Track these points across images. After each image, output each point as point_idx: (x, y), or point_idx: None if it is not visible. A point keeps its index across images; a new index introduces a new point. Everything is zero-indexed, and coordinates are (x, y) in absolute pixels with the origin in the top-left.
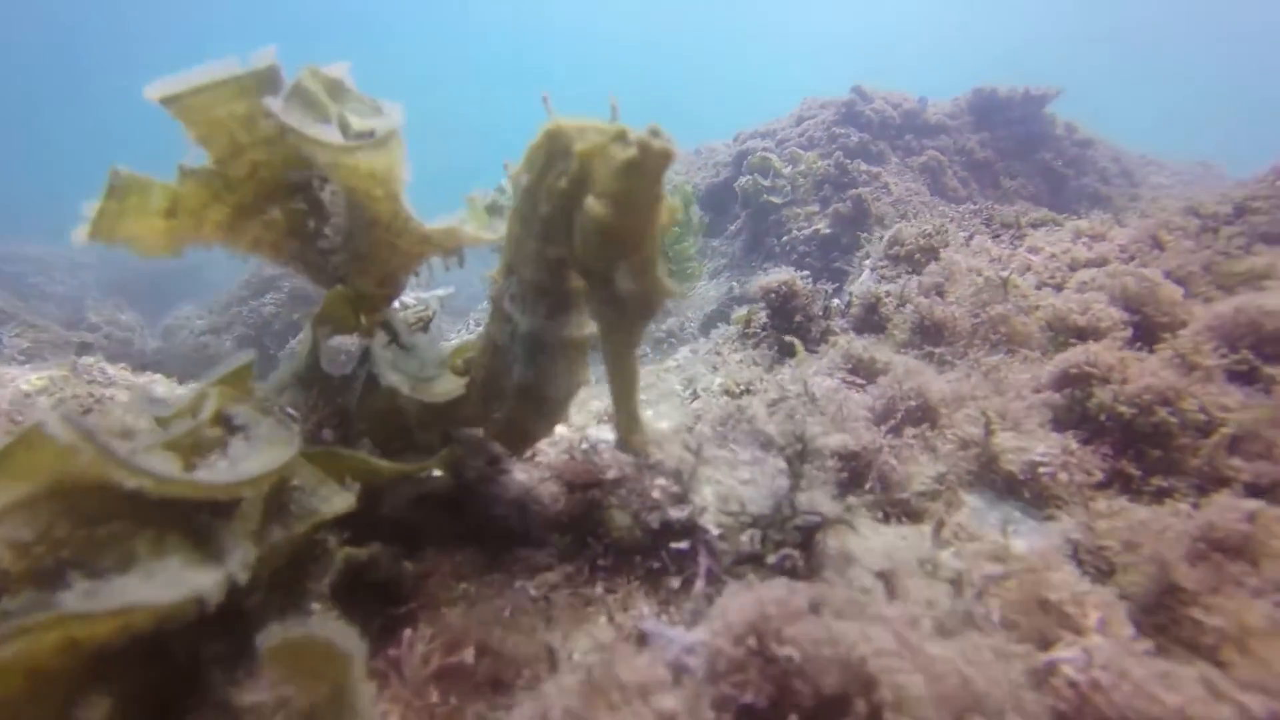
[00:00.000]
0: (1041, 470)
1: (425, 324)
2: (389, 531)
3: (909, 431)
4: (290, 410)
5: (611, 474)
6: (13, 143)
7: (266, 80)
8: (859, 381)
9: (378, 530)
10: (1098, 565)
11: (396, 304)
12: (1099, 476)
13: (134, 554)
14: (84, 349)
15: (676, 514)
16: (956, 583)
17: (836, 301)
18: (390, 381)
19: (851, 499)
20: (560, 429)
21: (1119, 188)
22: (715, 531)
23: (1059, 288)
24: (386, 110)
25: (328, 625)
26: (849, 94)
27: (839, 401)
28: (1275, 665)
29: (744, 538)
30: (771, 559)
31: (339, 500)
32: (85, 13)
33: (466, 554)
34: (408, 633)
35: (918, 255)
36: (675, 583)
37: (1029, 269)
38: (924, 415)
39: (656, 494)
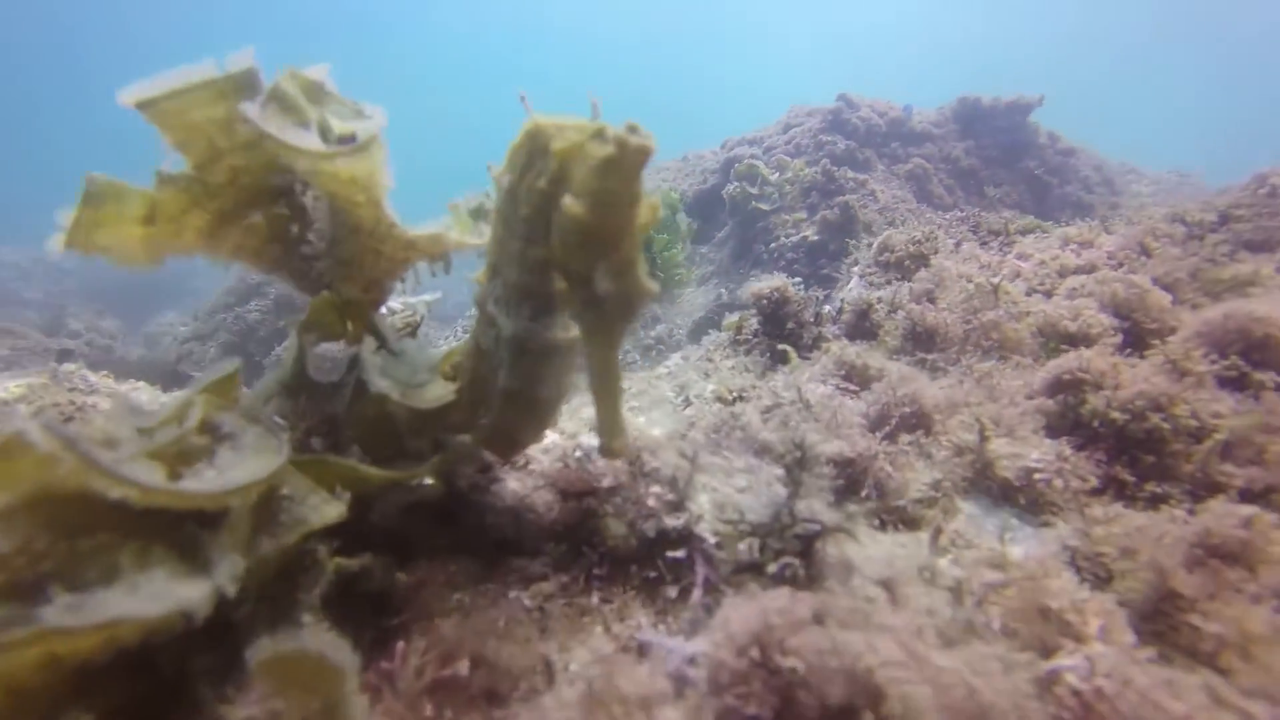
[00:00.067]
0: (1037, 477)
1: (413, 329)
2: (380, 540)
3: (904, 438)
4: (277, 419)
5: (606, 482)
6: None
7: (244, 83)
8: (852, 388)
9: (368, 539)
10: (1095, 572)
11: (384, 310)
12: (1093, 483)
13: (118, 566)
14: (64, 356)
15: (672, 522)
16: (956, 591)
17: (828, 308)
18: (380, 387)
19: (852, 507)
20: (552, 436)
21: (1101, 196)
22: (712, 540)
23: (1049, 294)
24: (369, 113)
25: (320, 638)
26: (835, 102)
27: (833, 408)
28: (1278, 671)
29: (742, 546)
30: (772, 568)
31: (329, 509)
32: (84, 11)
33: (460, 564)
34: (401, 645)
35: (907, 262)
36: (672, 592)
37: (1018, 275)
38: (918, 422)
39: (652, 502)
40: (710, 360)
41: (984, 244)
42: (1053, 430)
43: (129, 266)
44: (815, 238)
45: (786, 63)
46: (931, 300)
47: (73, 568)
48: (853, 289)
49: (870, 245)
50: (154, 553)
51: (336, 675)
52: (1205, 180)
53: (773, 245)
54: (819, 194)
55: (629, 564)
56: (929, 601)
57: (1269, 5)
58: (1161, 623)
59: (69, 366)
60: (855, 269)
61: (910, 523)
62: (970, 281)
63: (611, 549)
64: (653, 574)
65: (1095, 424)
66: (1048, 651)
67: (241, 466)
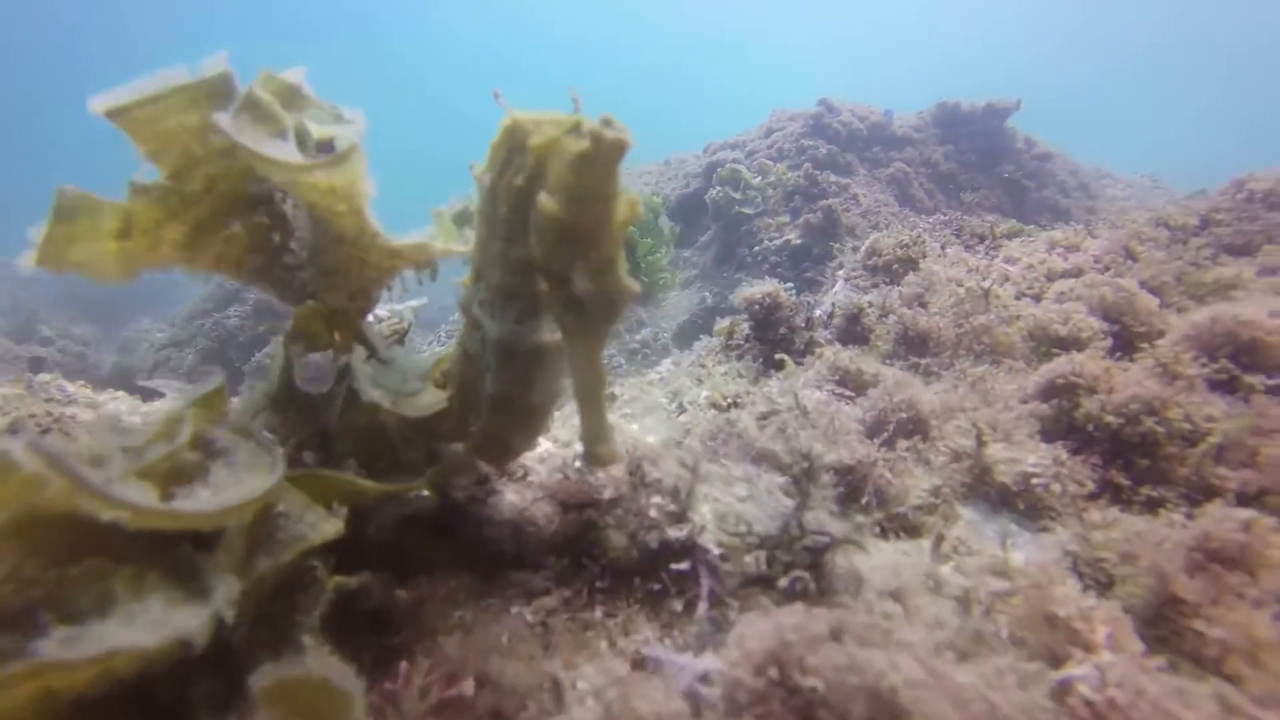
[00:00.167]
0: (1034, 482)
1: (401, 336)
2: (375, 554)
3: (901, 444)
4: (267, 433)
5: (608, 494)
6: None
7: (218, 89)
8: (847, 393)
9: (364, 553)
10: (1096, 577)
11: (370, 317)
12: (1090, 487)
13: (112, 593)
14: (36, 365)
15: (675, 533)
16: (964, 600)
17: (819, 312)
18: (371, 397)
19: (860, 518)
20: (548, 445)
21: (1077, 200)
22: (716, 551)
23: (1038, 298)
24: (348, 116)
25: (323, 661)
26: (816, 106)
27: (830, 414)
28: None
29: (749, 559)
30: (783, 582)
31: (327, 526)
32: (83, 11)
33: (460, 578)
34: (404, 665)
35: (895, 266)
36: (678, 605)
37: (1007, 279)
38: (915, 427)
39: (654, 513)
40: (703, 366)
41: (968, 247)
42: (1047, 434)
43: (104, 283)
44: (798, 241)
45: (778, 65)
46: (922, 304)
47: (64, 595)
48: (838, 292)
49: (855, 249)
50: (149, 578)
51: (343, 700)
52: (1180, 184)
53: (756, 249)
54: (802, 198)
55: (631, 576)
56: (937, 611)
57: (1267, 9)
58: (1164, 628)
59: (45, 376)
60: (840, 272)
61: (911, 530)
62: (960, 285)
63: (613, 561)
64: (656, 586)
65: (1090, 428)
66: (1056, 660)
67: (236, 484)
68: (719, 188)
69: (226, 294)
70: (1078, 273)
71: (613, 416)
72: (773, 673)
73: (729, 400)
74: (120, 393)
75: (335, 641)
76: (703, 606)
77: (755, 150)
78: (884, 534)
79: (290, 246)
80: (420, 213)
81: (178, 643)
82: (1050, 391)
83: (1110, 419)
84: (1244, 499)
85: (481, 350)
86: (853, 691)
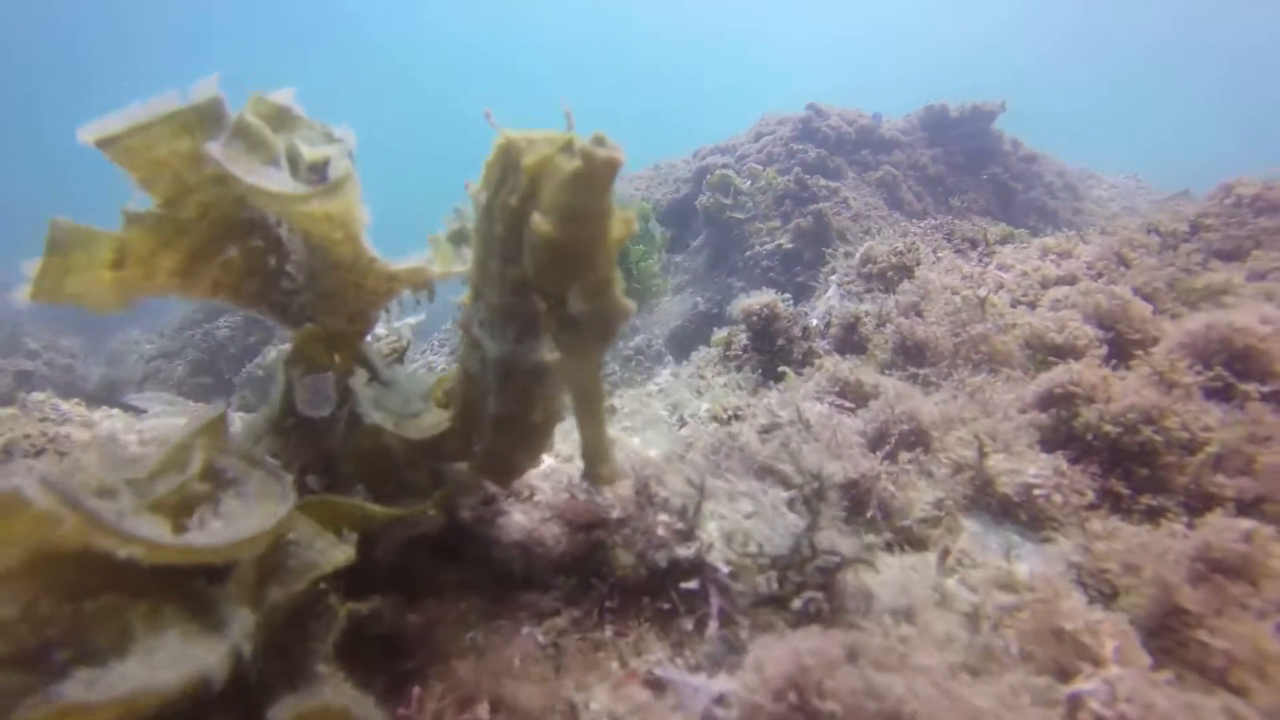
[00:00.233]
0: (1036, 492)
1: (400, 354)
2: (383, 578)
3: (903, 456)
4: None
5: (616, 514)
6: None
7: (209, 114)
8: (848, 405)
9: (371, 577)
10: (1100, 588)
11: (369, 336)
12: (1090, 496)
13: (129, 629)
14: (23, 379)
15: (683, 552)
16: (973, 616)
17: (815, 322)
18: (374, 419)
19: (870, 537)
20: (550, 461)
21: (1064, 201)
22: (725, 569)
23: (1032, 306)
24: (338, 135)
25: (341, 691)
26: (805, 110)
27: (833, 428)
28: None
29: (760, 579)
30: (796, 604)
31: (337, 553)
32: (82, 12)
33: (470, 600)
34: (417, 690)
35: (890, 273)
36: (688, 624)
37: (1001, 287)
38: (917, 439)
39: (661, 531)
40: (702, 377)
41: (958, 251)
42: (1047, 444)
43: (100, 312)
44: (790, 246)
45: (776, 65)
46: (919, 313)
47: (80, 632)
48: (831, 298)
49: (847, 254)
50: (164, 612)
51: None
52: (1170, 184)
53: (748, 254)
54: (792, 202)
55: (640, 595)
56: (946, 628)
57: (1266, 9)
58: (1168, 639)
59: (39, 395)
60: (833, 278)
61: (916, 543)
62: (956, 294)
63: (621, 580)
64: (665, 605)
65: (1088, 437)
66: (1065, 675)
67: (248, 515)
68: (709, 194)
69: (216, 305)
70: (1071, 280)
71: (614, 430)
72: (792, 697)
73: (729, 413)
74: (115, 410)
75: (347, 668)
76: (713, 625)
77: (745, 155)
78: (889, 548)
79: (286, 270)
80: (415, 212)
81: (199, 680)
82: (1049, 401)
83: (1109, 428)
84: (1243, 507)
85: (482, 370)
86: (872, 716)
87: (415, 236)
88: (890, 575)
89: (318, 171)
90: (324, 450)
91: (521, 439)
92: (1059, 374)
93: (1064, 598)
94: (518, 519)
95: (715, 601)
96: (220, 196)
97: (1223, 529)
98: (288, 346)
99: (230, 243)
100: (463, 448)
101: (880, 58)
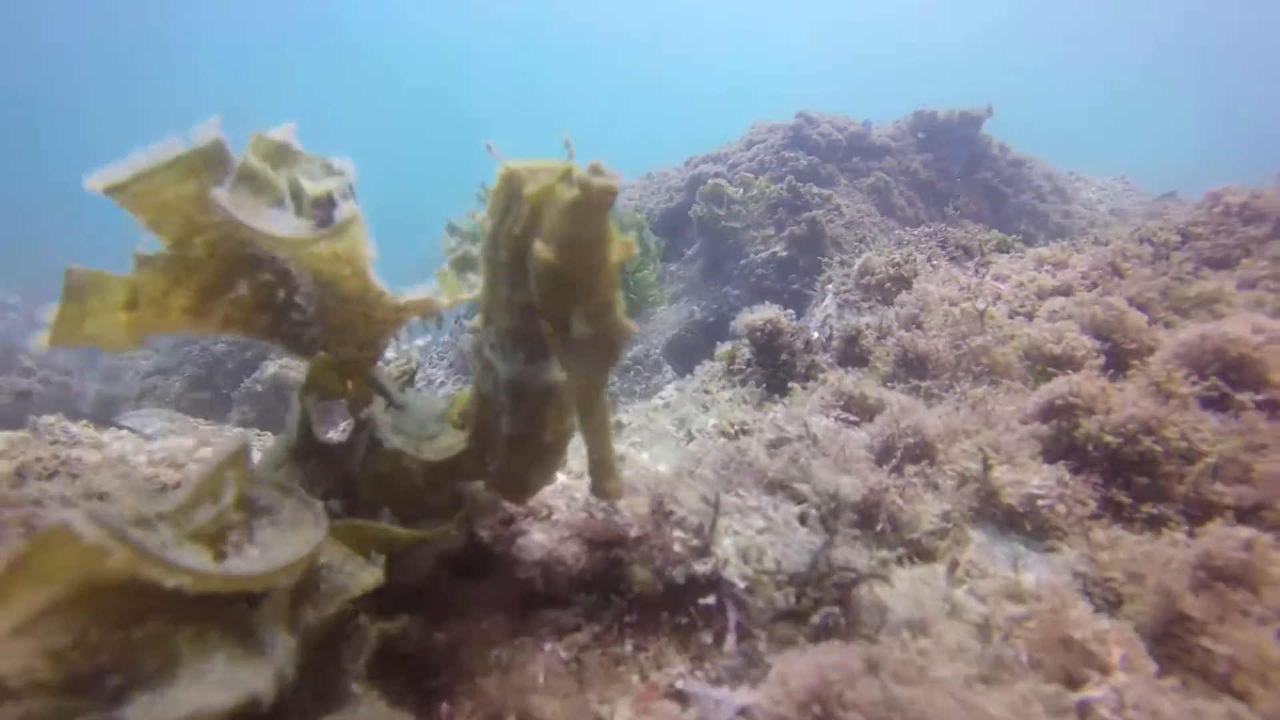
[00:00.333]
0: (1040, 503)
1: (409, 377)
2: (407, 598)
3: (909, 469)
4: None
5: (634, 532)
6: None
7: (212, 157)
8: (852, 418)
9: (395, 597)
10: (1105, 597)
11: (379, 362)
12: (1092, 506)
13: (177, 655)
14: (23, 399)
15: (700, 568)
16: (983, 627)
17: (816, 335)
18: (394, 443)
19: (884, 552)
20: (563, 478)
21: (1054, 204)
22: (741, 584)
23: (1030, 316)
24: (337, 167)
25: (378, 710)
26: (795, 118)
27: (840, 442)
28: None
29: (778, 595)
30: (815, 619)
31: (367, 575)
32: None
33: (494, 618)
34: (445, 707)
35: (888, 285)
36: (707, 638)
37: (999, 298)
38: (922, 452)
39: (678, 547)
40: (707, 392)
41: (952, 258)
42: (1049, 455)
43: (114, 351)
44: (784, 254)
45: (776, 65)
46: (919, 325)
47: (130, 658)
48: (829, 308)
49: (843, 263)
50: (210, 638)
51: None
52: (1159, 185)
53: (743, 262)
54: (786, 210)
55: (659, 610)
56: (958, 638)
57: (1265, 9)
58: (1173, 646)
59: (49, 418)
60: (830, 287)
61: (925, 555)
62: (956, 306)
63: (639, 595)
64: (684, 620)
65: (1089, 447)
66: (1074, 683)
67: (283, 542)
68: (703, 204)
69: None
70: (1067, 290)
71: (622, 446)
72: (815, 709)
73: (736, 427)
74: (124, 432)
75: (377, 687)
76: (731, 640)
77: (737, 163)
78: (899, 560)
79: (296, 302)
80: (410, 211)
81: (250, 701)
82: (1049, 412)
83: (1109, 439)
84: (1241, 514)
85: (495, 391)
86: None
87: (411, 235)
88: (902, 588)
89: (321, 206)
90: (344, 475)
91: (534, 458)
92: (1059, 385)
93: (1071, 607)
94: (538, 538)
95: (732, 616)
96: (228, 234)
97: (1223, 537)
98: (287, 361)
99: (240, 278)
100: (479, 467)
101: (879, 58)
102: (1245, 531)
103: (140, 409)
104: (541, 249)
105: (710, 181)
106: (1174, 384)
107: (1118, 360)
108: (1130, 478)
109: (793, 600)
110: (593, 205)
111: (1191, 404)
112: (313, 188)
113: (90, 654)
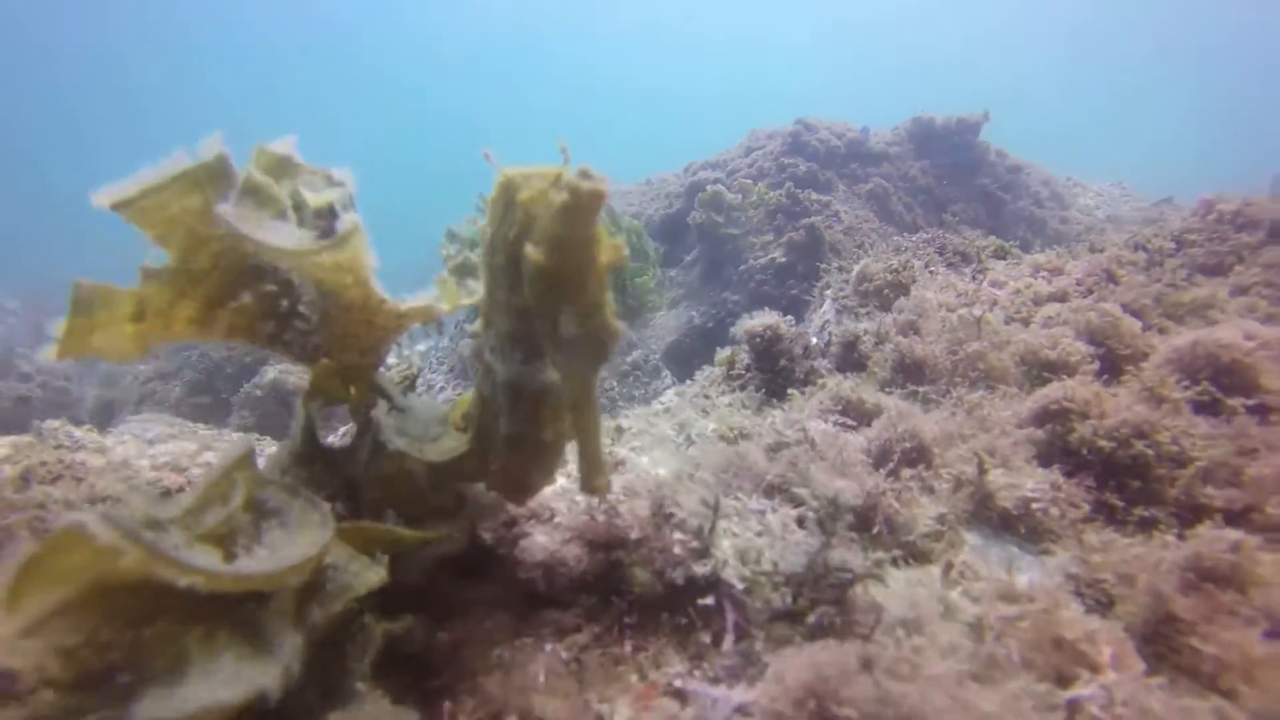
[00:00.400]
0: (1034, 506)
1: (411, 381)
2: (410, 598)
3: (906, 473)
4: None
5: (635, 534)
6: None
7: (217, 171)
8: (850, 423)
9: (399, 597)
10: (1097, 598)
11: (381, 367)
12: (1085, 509)
13: (186, 653)
14: (23, 404)
15: (699, 569)
16: (976, 626)
17: (815, 340)
18: (397, 446)
19: (880, 554)
20: (562, 480)
21: (1051, 210)
22: (739, 586)
23: (1026, 322)
24: (338, 179)
25: (383, 708)
26: (794, 125)
27: (838, 447)
28: None
29: (775, 595)
30: (811, 618)
31: (371, 575)
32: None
33: (496, 619)
34: (448, 705)
35: (886, 291)
36: (705, 638)
37: (995, 304)
38: (919, 456)
39: (677, 549)
40: (707, 397)
41: (950, 264)
42: (1043, 458)
43: (121, 362)
44: (783, 259)
45: (776, 66)
46: (916, 332)
47: (140, 657)
48: (827, 313)
49: (841, 269)
50: (218, 637)
51: None
52: (1158, 189)
53: (742, 268)
54: (784, 216)
55: (658, 611)
56: (951, 638)
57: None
58: (1162, 645)
59: (53, 423)
60: (828, 293)
61: (921, 557)
62: (953, 313)
63: (639, 596)
64: (683, 620)
65: (1083, 451)
66: (1065, 681)
67: (292, 543)
68: (702, 211)
69: None
70: (1062, 296)
71: (623, 450)
72: (811, 706)
73: (735, 432)
74: (127, 436)
75: (381, 686)
76: (729, 639)
77: (735, 169)
78: (895, 562)
79: (299, 310)
80: (410, 218)
81: (258, 696)
82: (1044, 417)
83: (1102, 443)
84: (1231, 517)
85: (494, 393)
86: None
87: (411, 242)
88: (898, 589)
89: (323, 218)
90: (347, 478)
91: (533, 457)
92: (1054, 390)
93: (1063, 608)
94: (540, 540)
95: (731, 616)
96: (233, 246)
97: (1212, 539)
98: (286, 366)
99: (243, 288)
100: (481, 468)
101: (879, 58)
102: (1234, 533)
103: (140, 414)
104: (532, 250)
105: (709, 188)
106: (1167, 389)
107: (1112, 365)
108: (1123, 481)
109: (790, 600)
110: (581, 208)
111: (1184, 409)
112: (314, 199)
113: (101, 652)
